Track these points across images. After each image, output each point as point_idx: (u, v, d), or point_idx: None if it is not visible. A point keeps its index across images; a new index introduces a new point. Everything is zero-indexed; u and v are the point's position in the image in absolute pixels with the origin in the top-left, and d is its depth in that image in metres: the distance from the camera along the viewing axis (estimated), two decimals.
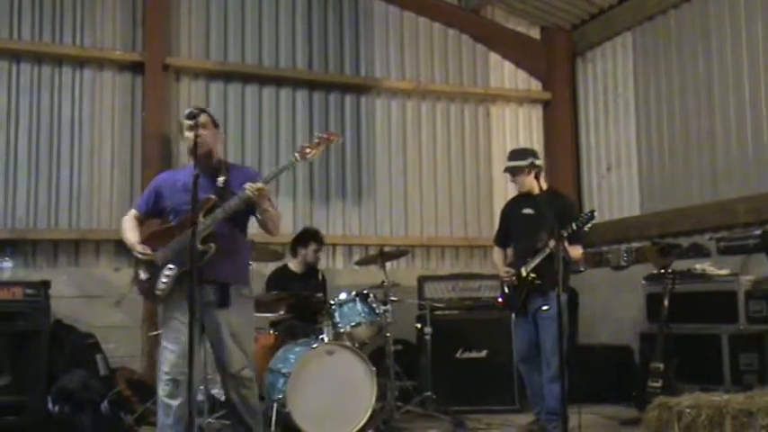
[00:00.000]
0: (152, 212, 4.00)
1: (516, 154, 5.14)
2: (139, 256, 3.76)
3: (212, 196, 3.67)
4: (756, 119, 5.93)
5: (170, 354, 3.66)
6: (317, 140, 3.78)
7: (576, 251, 4.80)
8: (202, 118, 3.78)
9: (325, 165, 7.26)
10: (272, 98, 7.16)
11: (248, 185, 3.63)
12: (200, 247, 3.54)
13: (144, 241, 3.82)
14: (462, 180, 7.77)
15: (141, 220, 3.99)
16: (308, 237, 6.05)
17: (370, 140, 7.47)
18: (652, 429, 3.54)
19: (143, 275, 3.77)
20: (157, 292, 3.71)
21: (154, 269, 3.73)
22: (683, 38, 6.65)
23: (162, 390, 3.67)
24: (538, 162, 4.99)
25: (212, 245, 3.63)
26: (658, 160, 6.89)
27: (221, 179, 3.72)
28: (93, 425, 5.07)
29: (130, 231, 3.93)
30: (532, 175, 4.86)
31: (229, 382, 3.81)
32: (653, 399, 3.78)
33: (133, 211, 4.04)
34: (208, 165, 3.76)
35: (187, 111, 3.77)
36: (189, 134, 3.74)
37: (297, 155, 3.76)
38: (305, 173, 7.17)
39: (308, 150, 3.75)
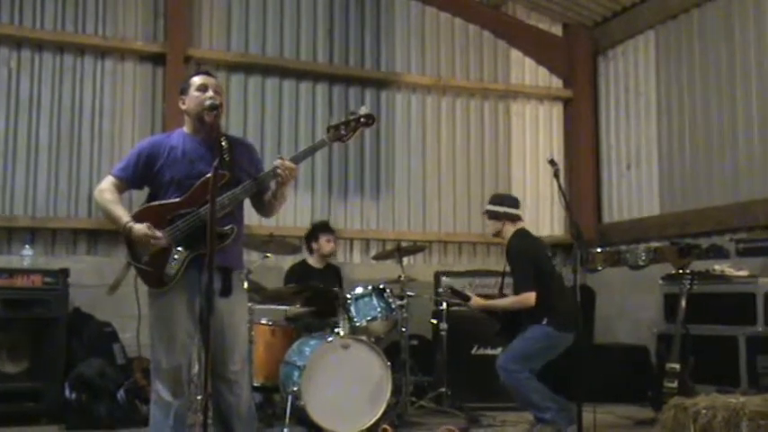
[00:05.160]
0: (138, 181, 3.43)
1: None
2: (152, 242, 3.25)
3: (225, 172, 3.21)
4: None
5: (170, 348, 3.31)
6: (353, 124, 3.46)
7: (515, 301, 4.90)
8: (218, 81, 3.46)
9: (344, 159, 7.28)
10: (292, 91, 7.19)
11: (280, 163, 3.30)
12: (221, 229, 3.25)
13: (137, 218, 3.30)
14: (481, 176, 7.76)
15: (122, 190, 3.44)
16: (317, 230, 6.06)
17: (390, 135, 7.48)
18: (667, 430, 3.53)
19: (145, 259, 3.29)
20: (166, 279, 3.27)
21: (159, 252, 3.28)
22: (705, 37, 6.60)
23: (161, 387, 3.32)
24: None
25: (234, 227, 3.32)
26: (679, 160, 6.85)
27: (226, 151, 3.25)
28: (109, 413, 5.14)
29: (117, 204, 3.37)
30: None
31: (224, 382, 3.37)
32: (669, 399, 3.77)
33: (112, 179, 3.42)
34: (213, 134, 3.30)
35: (201, 69, 3.51)
36: (200, 94, 3.37)
37: (330, 136, 3.44)
38: (324, 167, 7.20)
39: (343, 133, 3.45)
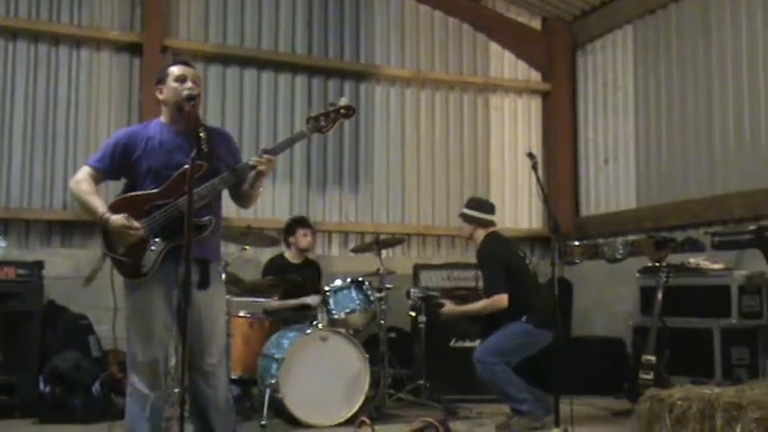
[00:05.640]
0: (115, 172, 3.41)
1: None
2: (131, 233, 3.22)
3: (203, 163, 3.20)
4: (754, 115, 5.95)
5: (147, 341, 3.28)
6: (333, 115, 3.45)
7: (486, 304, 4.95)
8: (197, 71, 3.47)
9: (323, 151, 7.26)
10: (271, 83, 7.14)
11: (258, 157, 3.31)
12: (199, 220, 3.25)
13: (114, 208, 3.28)
14: (460, 169, 7.78)
15: (98, 181, 3.39)
16: (293, 224, 6.04)
17: (369, 128, 7.46)
18: (643, 421, 3.57)
19: (122, 250, 3.26)
20: (143, 270, 3.23)
21: (135, 243, 3.25)
22: (683, 32, 6.65)
23: (137, 380, 3.30)
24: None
25: (212, 218, 3.32)
26: (656, 154, 6.90)
27: (204, 141, 3.19)
28: (84, 406, 5.09)
29: (94, 195, 3.33)
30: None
31: (201, 375, 3.35)
32: (644, 391, 3.80)
33: (88, 169, 3.38)
34: (191, 124, 3.27)
35: (179, 59, 3.50)
36: (178, 85, 3.34)
37: (309, 127, 3.43)
38: (302, 159, 7.17)
39: (323, 125, 3.44)
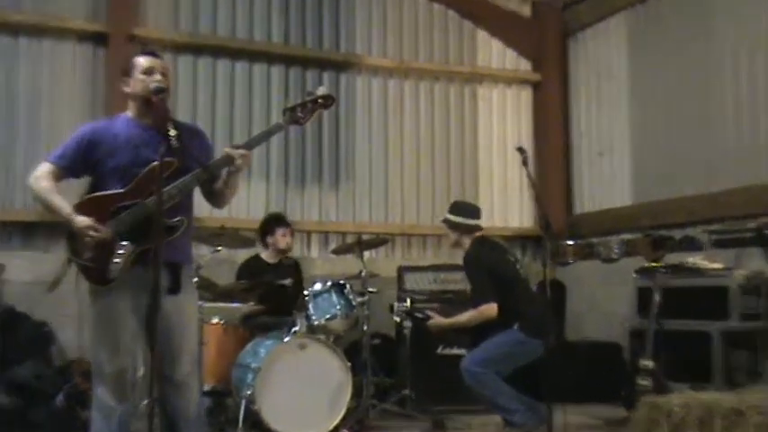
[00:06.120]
0: (78, 169, 3.35)
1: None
2: (92, 235, 3.17)
3: (174, 159, 3.19)
4: (753, 108, 5.98)
5: (114, 350, 3.26)
6: (311, 105, 3.46)
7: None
8: (165, 62, 3.45)
9: (301, 146, 7.24)
10: (245, 74, 7.12)
11: (232, 150, 3.31)
12: (170, 221, 3.23)
13: (79, 210, 3.23)
14: (447, 164, 7.79)
15: (59, 178, 3.32)
16: (271, 223, 6.01)
17: (350, 121, 7.45)
18: (641, 429, 3.59)
19: (87, 254, 3.22)
20: (110, 275, 3.19)
21: (102, 246, 3.21)
22: (679, 20, 6.67)
23: (103, 392, 3.27)
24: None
25: (183, 219, 3.29)
26: (652, 148, 6.94)
27: (174, 136, 3.17)
28: (46, 419, 5.03)
29: (56, 195, 3.27)
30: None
31: (172, 386, 3.33)
32: (642, 398, 3.82)
33: (48, 166, 3.32)
34: (160, 119, 3.26)
35: (146, 50, 3.49)
36: (145, 77, 3.32)
37: (286, 119, 3.44)
38: (279, 153, 7.15)
39: (300, 116, 3.44)
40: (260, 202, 6.99)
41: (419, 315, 5.35)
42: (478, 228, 5.18)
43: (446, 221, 5.23)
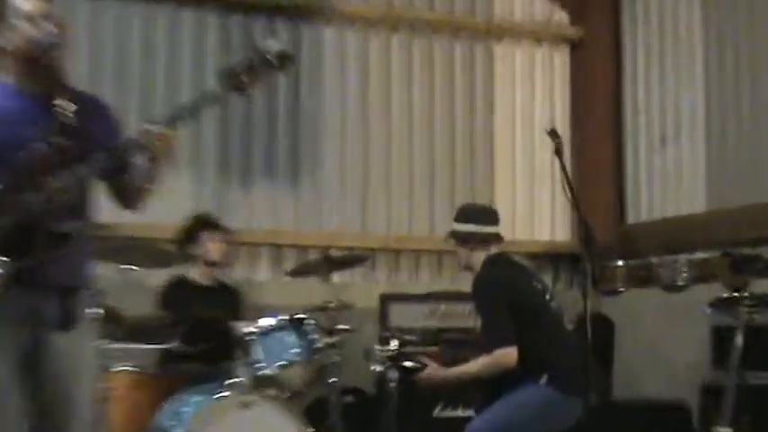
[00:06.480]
0: None
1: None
2: None
3: (66, 141, 3.19)
4: None
5: None
6: (259, 67, 3.38)
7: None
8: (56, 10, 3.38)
9: (245, 125, 7.25)
10: (170, 22, 7.15)
11: (148, 127, 3.25)
12: (60, 227, 3.19)
13: None
14: (450, 152, 7.83)
15: None
16: (197, 227, 6.04)
17: (315, 90, 7.47)
18: None
19: None
20: None
21: None
22: None
23: None
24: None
25: (80, 225, 3.27)
26: (735, 134, 6.97)
27: (66, 109, 3.17)
28: None
29: None
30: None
31: None
32: None
33: None
34: (49, 86, 3.26)
35: None
36: (29, 27, 3.27)
37: (224, 86, 3.38)
38: (215, 136, 7.15)
39: (244, 81, 3.38)
40: (186, 203, 6.93)
41: (409, 363, 5.33)
42: (498, 237, 5.16)
43: (453, 234, 5.21)
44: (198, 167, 7.12)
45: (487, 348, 4.90)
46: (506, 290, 4.97)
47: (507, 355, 4.80)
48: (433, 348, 6.09)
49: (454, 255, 5.40)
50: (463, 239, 5.15)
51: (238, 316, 5.90)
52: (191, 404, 5.01)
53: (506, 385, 4.87)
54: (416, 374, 5.19)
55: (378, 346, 5.57)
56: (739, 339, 5.31)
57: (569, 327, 5.23)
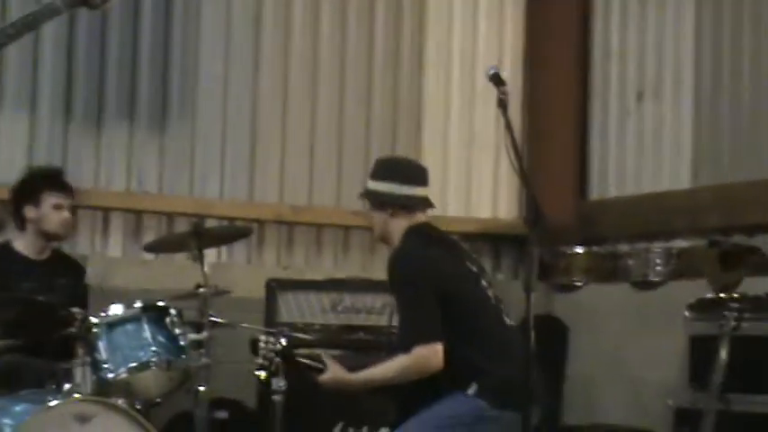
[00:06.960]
0: None
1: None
2: None
3: None
4: None
5: None
6: None
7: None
8: None
9: (97, 52, 7.20)
10: None
11: None
12: None
13: None
14: (367, 98, 7.89)
15: None
16: (36, 183, 6.00)
17: (189, 9, 7.45)
18: None
19: None
20: None
21: None
22: None
23: None
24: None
25: None
26: (729, 92, 7.09)
27: None
28: None
29: None
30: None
31: None
32: None
33: None
34: None
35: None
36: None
37: None
38: (55, 68, 7.09)
39: None
40: (18, 152, 6.93)
41: (304, 362, 5.32)
42: (425, 202, 5.16)
43: (366, 194, 5.20)
44: (32, 105, 7.05)
45: (405, 345, 4.91)
46: (432, 271, 4.96)
47: (430, 354, 4.79)
48: (334, 352, 6.11)
49: (366, 230, 5.40)
50: (380, 202, 5.11)
51: (79, 301, 5.87)
52: (12, 415, 4.97)
53: (426, 395, 4.91)
54: (314, 375, 5.15)
55: (263, 341, 5.53)
56: (723, 353, 5.41)
57: (511, 323, 5.25)
